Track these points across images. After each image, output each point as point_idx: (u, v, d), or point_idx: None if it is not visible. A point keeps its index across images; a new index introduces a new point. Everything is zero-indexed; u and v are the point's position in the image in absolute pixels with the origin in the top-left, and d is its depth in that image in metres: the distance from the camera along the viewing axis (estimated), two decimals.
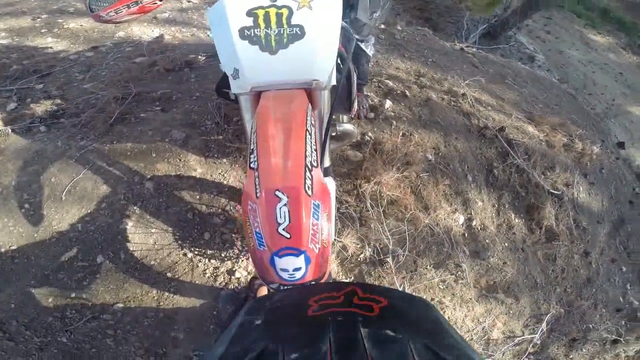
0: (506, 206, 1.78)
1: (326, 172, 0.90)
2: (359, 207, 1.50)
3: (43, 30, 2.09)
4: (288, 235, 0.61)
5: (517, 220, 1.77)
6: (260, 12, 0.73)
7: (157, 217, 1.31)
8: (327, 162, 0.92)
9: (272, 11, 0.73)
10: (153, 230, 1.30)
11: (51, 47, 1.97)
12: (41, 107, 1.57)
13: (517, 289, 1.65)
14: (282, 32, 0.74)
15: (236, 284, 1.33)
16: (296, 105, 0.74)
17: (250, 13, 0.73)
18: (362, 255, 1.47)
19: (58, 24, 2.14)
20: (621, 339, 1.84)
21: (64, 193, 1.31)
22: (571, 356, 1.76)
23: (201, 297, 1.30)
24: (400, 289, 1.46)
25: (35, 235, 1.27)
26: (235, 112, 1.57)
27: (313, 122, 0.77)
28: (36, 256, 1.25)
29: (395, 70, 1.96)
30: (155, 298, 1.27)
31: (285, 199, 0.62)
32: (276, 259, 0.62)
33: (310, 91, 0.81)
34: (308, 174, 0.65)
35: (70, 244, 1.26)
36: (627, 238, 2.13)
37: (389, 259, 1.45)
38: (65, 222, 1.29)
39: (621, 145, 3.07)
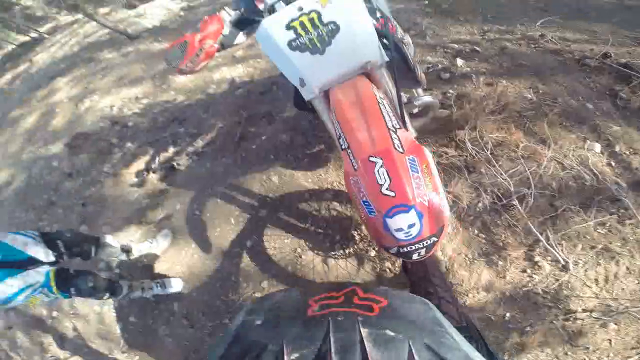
0: None
1: None
2: (462, 156, 1.44)
3: (164, 87, 2.63)
4: (393, 194, 0.62)
5: None
6: (296, 23, 0.80)
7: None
8: (413, 134, 0.92)
9: (304, 19, 0.79)
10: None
11: (175, 99, 2.50)
12: (188, 143, 2.01)
13: None
14: (320, 32, 0.79)
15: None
16: (361, 87, 0.82)
17: (289, 26, 0.80)
18: (479, 205, 1.35)
19: (169, 79, 2.66)
20: None
21: (233, 217, 1.61)
22: None
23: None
24: (542, 237, 1.24)
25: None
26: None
27: (382, 95, 0.82)
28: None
29: (456, 34, 1.98)
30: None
31: (380, 162, 0.65)
32: (388, 220, 0.62)
33: (369, 74, 0.86)
34: (394, 135, 0.70)
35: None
36: None
37: (515, 202, 1.29)
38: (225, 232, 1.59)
39: None
